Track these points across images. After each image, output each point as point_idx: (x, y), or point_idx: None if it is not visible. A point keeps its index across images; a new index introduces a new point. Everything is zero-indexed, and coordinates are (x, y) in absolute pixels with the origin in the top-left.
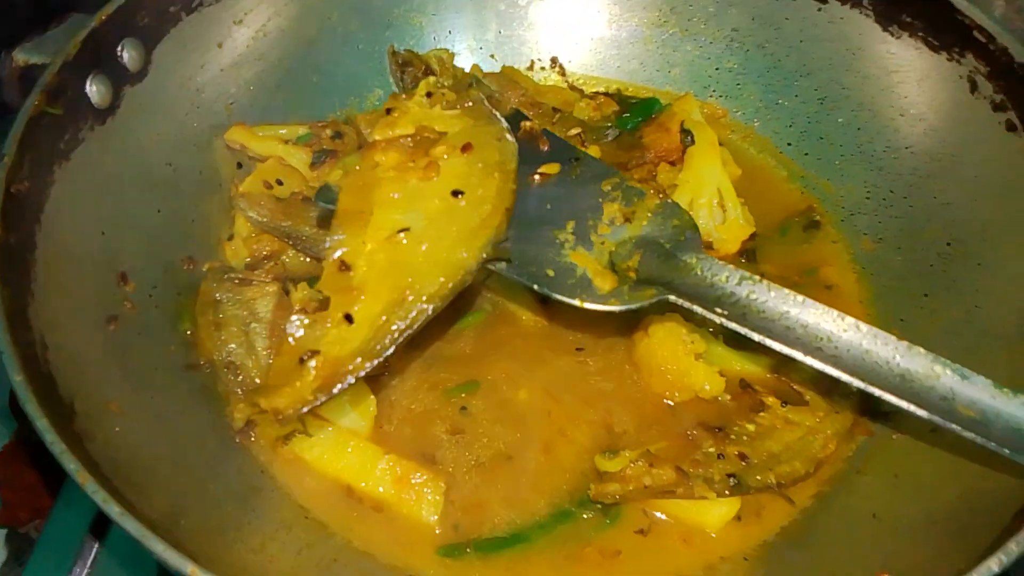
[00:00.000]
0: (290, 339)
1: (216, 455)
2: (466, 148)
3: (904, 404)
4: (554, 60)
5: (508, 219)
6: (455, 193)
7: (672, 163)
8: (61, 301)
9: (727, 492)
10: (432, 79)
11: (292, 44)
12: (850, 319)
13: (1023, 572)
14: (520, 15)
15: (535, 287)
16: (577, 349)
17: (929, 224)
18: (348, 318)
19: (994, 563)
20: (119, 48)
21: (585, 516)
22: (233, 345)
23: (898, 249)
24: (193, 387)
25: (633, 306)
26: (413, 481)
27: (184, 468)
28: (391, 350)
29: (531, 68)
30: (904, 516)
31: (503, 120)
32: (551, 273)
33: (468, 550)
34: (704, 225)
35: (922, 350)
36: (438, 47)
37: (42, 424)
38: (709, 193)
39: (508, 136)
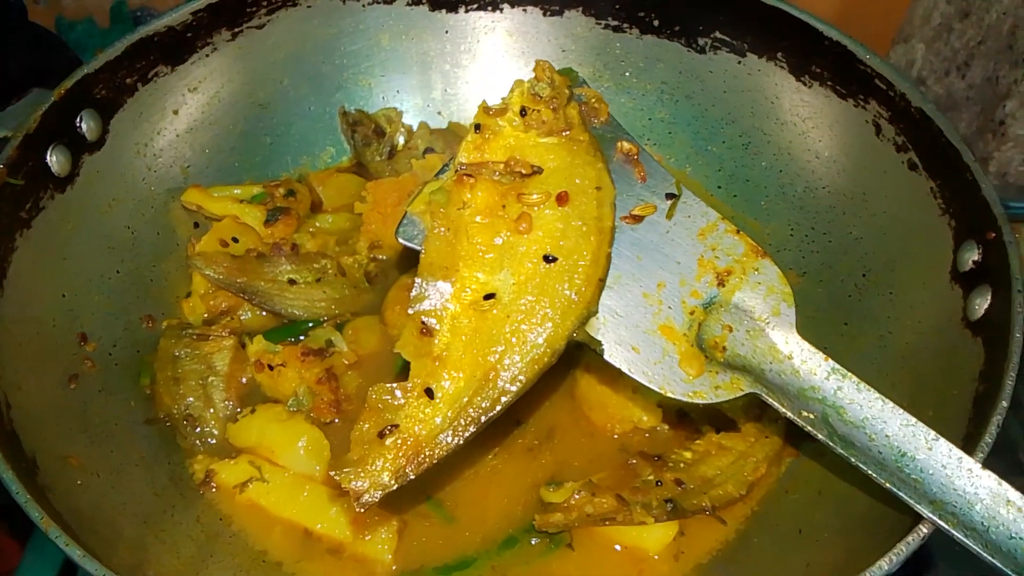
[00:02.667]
0: (378, 405)
1: (176, 505)
2: (562, 199)
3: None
4: None
5: (601, 291)
6: (547, 259)
7: None
8: (22, 361)
9: (664, 517)
10: (527, 84)
11: (245, 108)
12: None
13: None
14: (463, 74)
15: (624, 370)
16: None
17: (846, 258)
18: (429, 392)
19: (885, 562)
20: (78, 119)
21: (532, 543)
22: (191, 399)
23: (820, 282)
24: (153, 441)
25: (720, 401)
26: (367, 521)
27: (145, 518)
28: (470, 434)
29: None
30: (825, 528)
31: (602, 154)
32: (636, 351)
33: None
34: None
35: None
36: (386, 106)
37: (7, 476)
38: None
39: (608, 180)
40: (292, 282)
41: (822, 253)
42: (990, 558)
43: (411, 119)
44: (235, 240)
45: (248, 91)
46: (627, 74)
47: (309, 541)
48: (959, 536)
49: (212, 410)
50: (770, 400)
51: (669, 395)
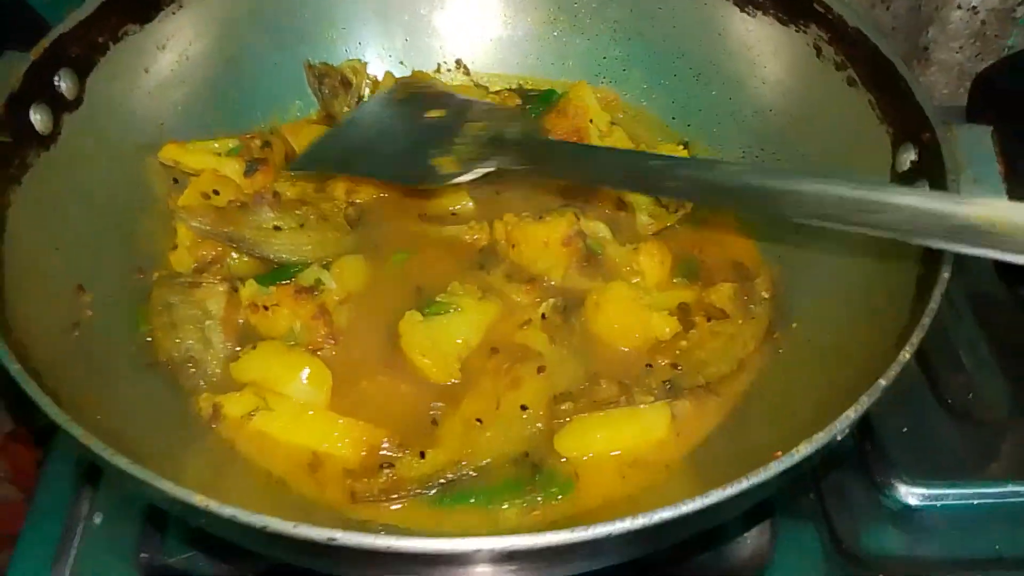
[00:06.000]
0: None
1: (188, 438)
2: (541, 370)
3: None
4: (458, 62)
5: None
6: (523, 407)
7: None
8: (30, 309)
9: (664, 396)
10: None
11: (213, 65)
12: None
13: None
14: (423, 23)
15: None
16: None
17: None
18: (422, 454)
19: (851, 412)
20: (56, 78)
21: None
22: (191, 342)
23: None
24: (157, 383)
25: (464, 174)
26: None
27: (160, 450)
28: (433, 491)
29: (438, 71)
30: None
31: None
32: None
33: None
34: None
35: None
36: (350, 58)
37: (43, 401)
38: None
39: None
40: (277, 229)
41: None
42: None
43: (375, 69)
44: (216, 192)
45: (215, 48)
46: (580, 14)
47: (315, 461)
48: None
49: (212, 351)
50: (514, 166)
51: (426, 184)
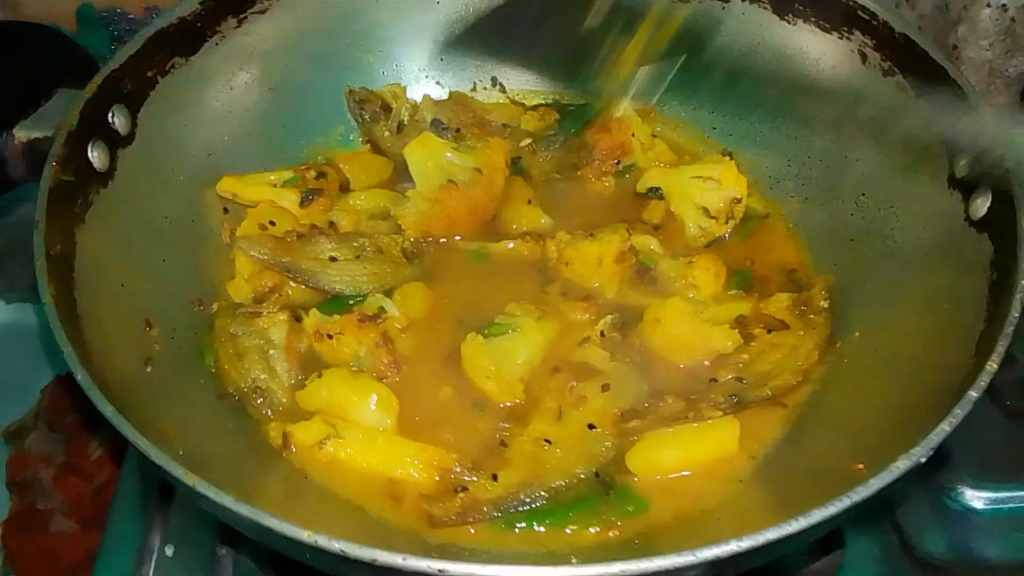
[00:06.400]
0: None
1: (260, 467)
2: (605, 388)
3: None
4: (494, 80)
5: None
6: (590, 426)
7: (617, 161)
8: (104, 345)
9: (731, 410)
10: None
11: (257, 95)
12: None
13: None
14: (457, 44)
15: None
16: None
17: (845, 180)
18: (494, 477)
19: (946, 425)
20: (110, 115)
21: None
22: (256, 372)
23: (822, 205)
24: (227, 414)
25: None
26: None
27: (235, 479)
28: (509, 513)
29: (474, 90)
30: (868, 416)
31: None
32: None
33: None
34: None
35: None
36: (389, 82)
37: (139, 441)
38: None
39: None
40: (333, 259)
41: (820, 179)
42: None
43: (414, 92)
44: (272, 223)
45: (258, 78)
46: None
47: (392, 487)
48: None
49: (277, 380)
50: None
51: None
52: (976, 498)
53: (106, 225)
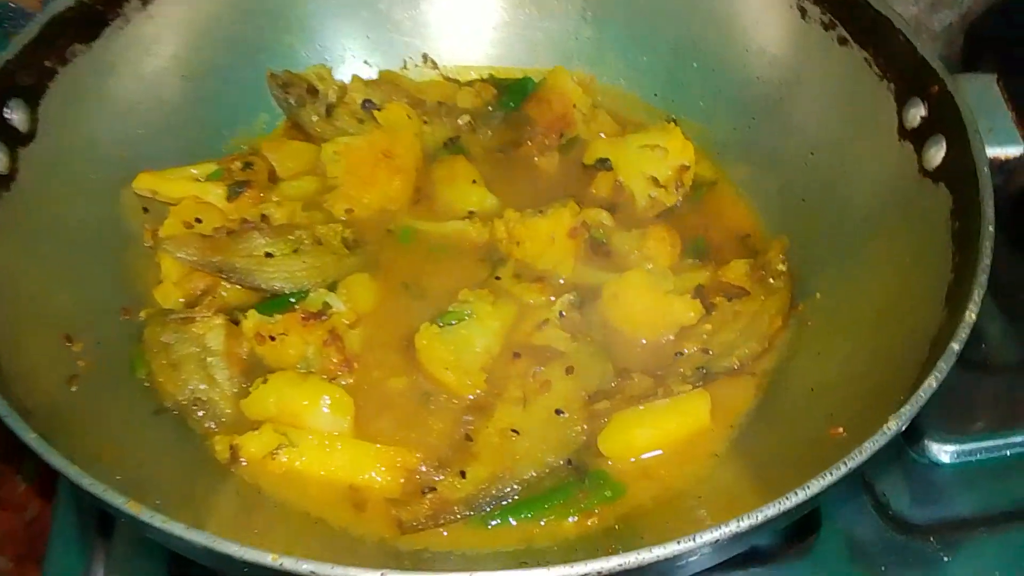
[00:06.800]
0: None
1: (210, 485)
2: (569, 371)
3: None
4: (425, 56)
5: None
6: (558, 412)
7: (560, 134)
8: (21, 367)
9: (700, 382)
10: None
11: (169, 82)
12: None
13: None
14: (383, 20)
15: None
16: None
17: (791, 140)
18: (462, 474)
19: (932, 380)
20: (7, 110)
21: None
22: (196, 382)
23: (771, 166)
24: (167, 430)
25: None
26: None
27: (185, 500)
28: (482, 511)
29: (405, 68)
30: (835, 384)
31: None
32: None
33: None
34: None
35: None
36: (313, 64)
37: (72, 471)
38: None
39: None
40: (269, 255)
41: (766, 141)
42: None
43: (341, 73)
44: (198, 221)
45: (169, 64)
46: None
47: (354, 494)
48: None
49: (219, 389)
50: None
51: None
52: (943, 452)
53: (11, 234)
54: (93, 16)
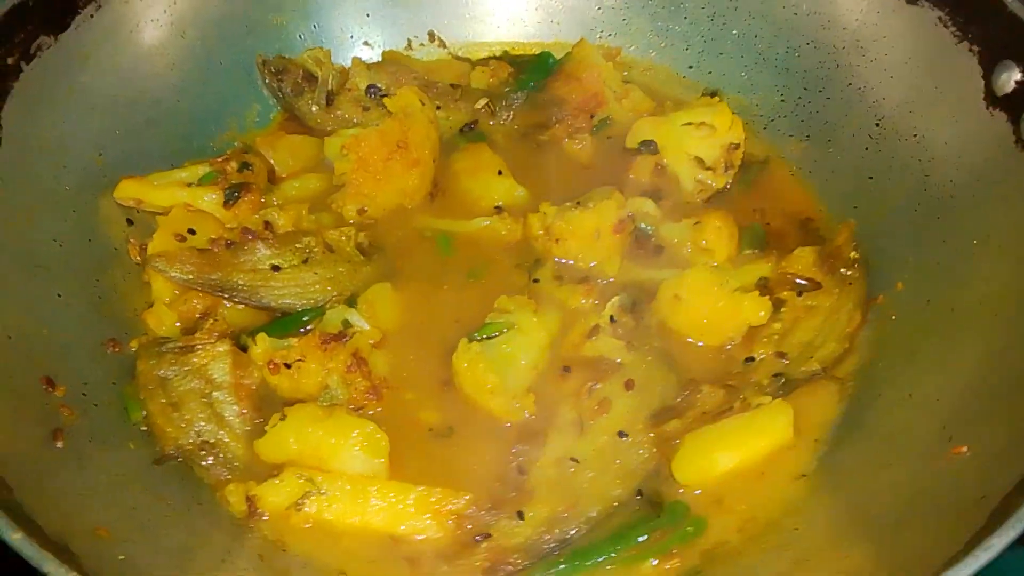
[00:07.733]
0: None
1: (227, 547)
2: (629, 385)
3: None
4: (431, 34)
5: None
6: (621, 435)
7: (592, 115)
8: None
9: (780, 392)
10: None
11: (150, 74)
12: None
13: None
14: None
15: None
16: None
17: (851, 111)
18: (519, 515)
19: None
20: None
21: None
22: (200, 423)
23: (828, 142)
24: (170, 482)
25: None
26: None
27: (200, 573)
28: (547, 555)
29: (410, 47)
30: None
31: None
32: None
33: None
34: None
35: None
36: (309, 47)
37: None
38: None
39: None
40: (276, 268)
41: (823, 112)
42: None
43: (340, 56)
44: (191, 232)
45: (147, 54)
46: None
47: (394, 546)
48: None
49: (228, 429)
50: None
51: None
52: None
53: None
54: (61, 3)
